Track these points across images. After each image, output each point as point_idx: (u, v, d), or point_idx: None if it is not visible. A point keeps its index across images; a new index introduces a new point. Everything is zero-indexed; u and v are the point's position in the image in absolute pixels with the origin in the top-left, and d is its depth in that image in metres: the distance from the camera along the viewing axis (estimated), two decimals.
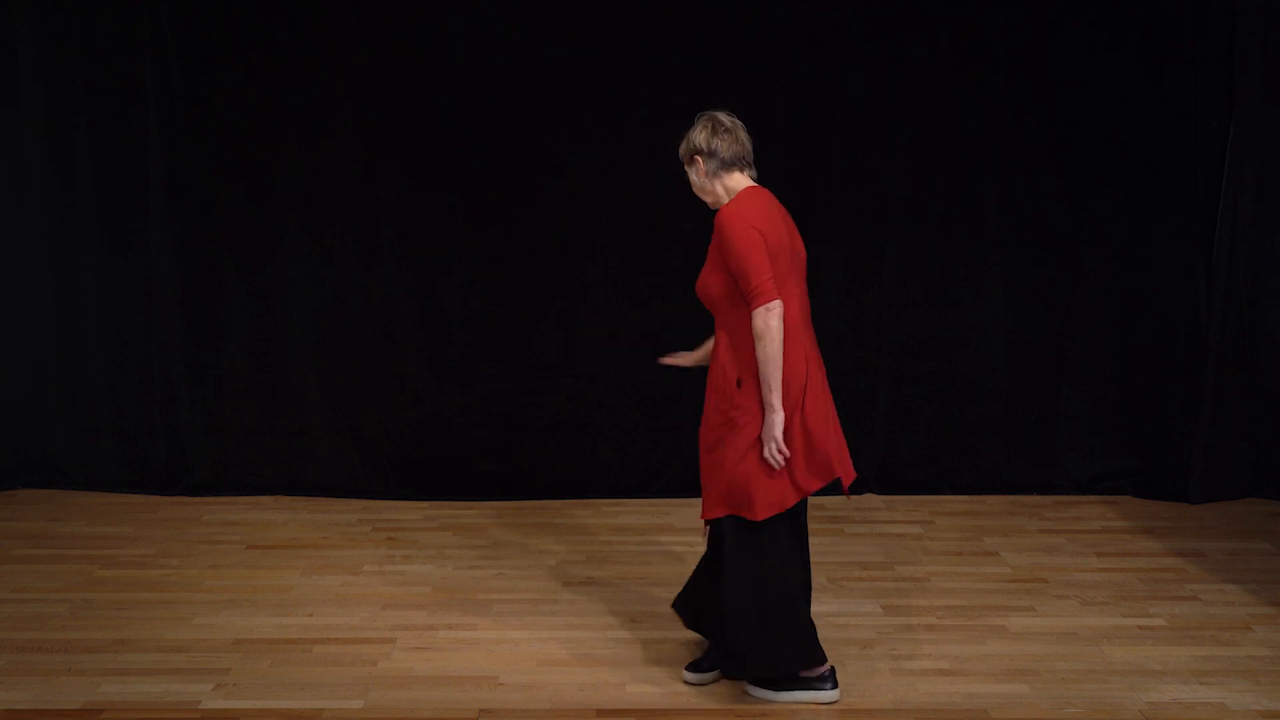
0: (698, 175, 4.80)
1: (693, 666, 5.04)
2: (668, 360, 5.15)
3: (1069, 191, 7.15)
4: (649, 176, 6.86)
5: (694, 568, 5.13)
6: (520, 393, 7.24)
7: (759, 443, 4.69)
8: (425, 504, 7.18)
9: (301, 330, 7.21)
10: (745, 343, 4.68)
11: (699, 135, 4.77)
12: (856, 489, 7.26)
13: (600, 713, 4.79)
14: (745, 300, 4.64)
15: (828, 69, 7.04)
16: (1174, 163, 7.03)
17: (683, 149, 4.82)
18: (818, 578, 6.02)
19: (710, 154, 4.75)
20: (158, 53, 6.98)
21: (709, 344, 5.03)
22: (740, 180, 4.79)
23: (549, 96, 7.03)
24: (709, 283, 4.76)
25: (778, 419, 4.63)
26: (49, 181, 7.14)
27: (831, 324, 7.16)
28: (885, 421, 7.32)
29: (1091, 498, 7.29)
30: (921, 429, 7.34)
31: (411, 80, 7.02)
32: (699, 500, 4.85)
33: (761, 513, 4.69)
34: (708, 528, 4.93)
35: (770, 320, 4.58)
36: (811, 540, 6.49)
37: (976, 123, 7.11)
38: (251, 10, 6.98)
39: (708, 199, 4.83)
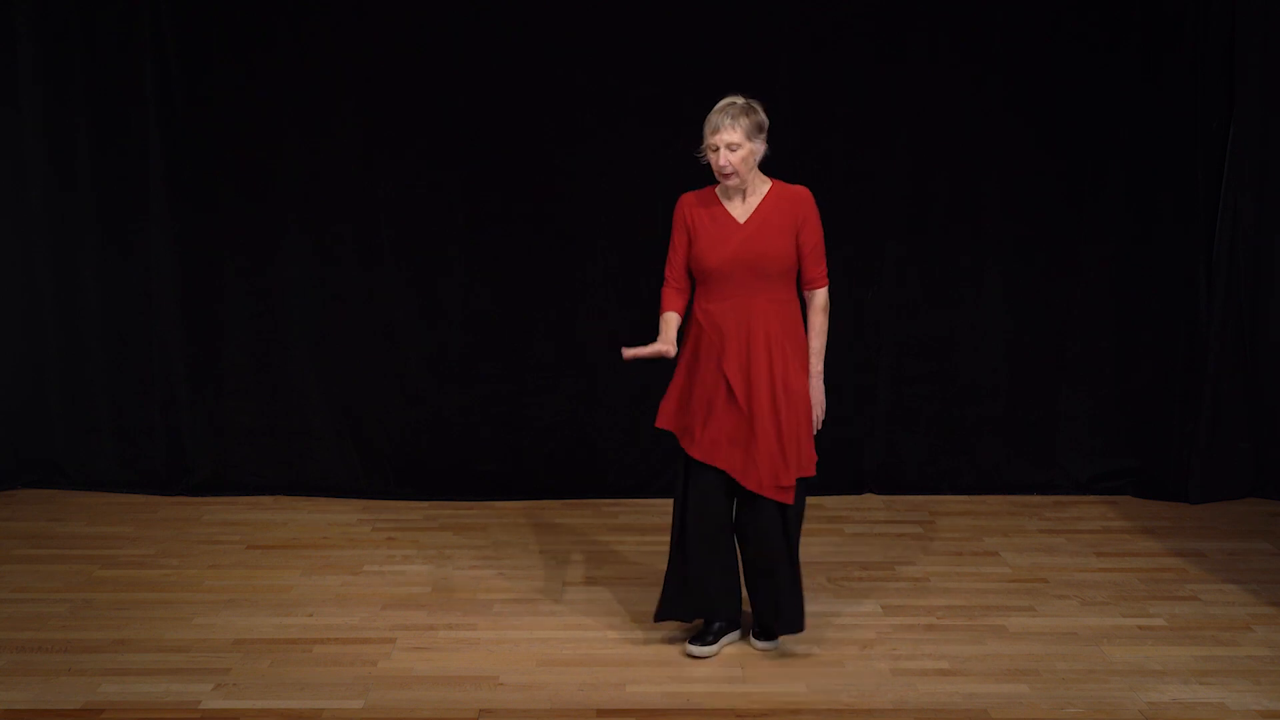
0: (755, 153, 4.96)
1: (698, 639, 5.21)
2: (630, 353, 5.00)
3: (1069, 191, 7.15)
4: (649, 176, 6.86)
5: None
6: (520, 393, 7.24)
7: (808, 406, 5.06)
8: (425, 504, 7.17)
9: (302, 330, 7.20)
10: (793, 314, 5.06)
11: (763, 116, 4.99)
12: (857, 489, 7.30)
13: (600, 713, 4.78)
14: (807, 276, 5.05)
15: (828, 69, 7.04)
16: (1174, 163, 7.03)
17: (755, 123, 4.95)
18: (818, 578, 6.05)
19: (765, 141, 5.00)
20: (158, 53, 6.98)
21: (671, 330, 5.08)
22: (759, 172, 5.08)
23: (549, 96, 7.02)
24: (783, 251, 4.99)
25: (821, 385, 5.10)
26: (49, 181, 7.13)
27: (831, 323, 7.15)
28: (885, 421, 7.32)
29: (1091, 498, 7.29)
30: (921, 429, 7.33)
31: (411, 80, 7.02)
32: None
33: (812, 469, 5.07)
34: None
35: (828, 298, 5.12)
36: (812, 540, 6.53)
37: (976, 123, 7.10)
38: (251, 11, 6.97)
39: (742, 173, 4.96)
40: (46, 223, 7.16)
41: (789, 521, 5.09)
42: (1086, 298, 7.22)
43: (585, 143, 7.05)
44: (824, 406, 5.13)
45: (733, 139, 4.90)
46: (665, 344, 4.99)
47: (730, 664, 5.13)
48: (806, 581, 5.95)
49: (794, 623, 5.18)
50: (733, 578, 5.22)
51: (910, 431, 7.34)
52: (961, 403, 7.32)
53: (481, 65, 6.99)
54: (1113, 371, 7.27)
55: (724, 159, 4.92)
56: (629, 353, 4.96)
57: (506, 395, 7.24)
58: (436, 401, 7.25)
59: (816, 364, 5.09)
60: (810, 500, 7.13)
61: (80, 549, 6.45)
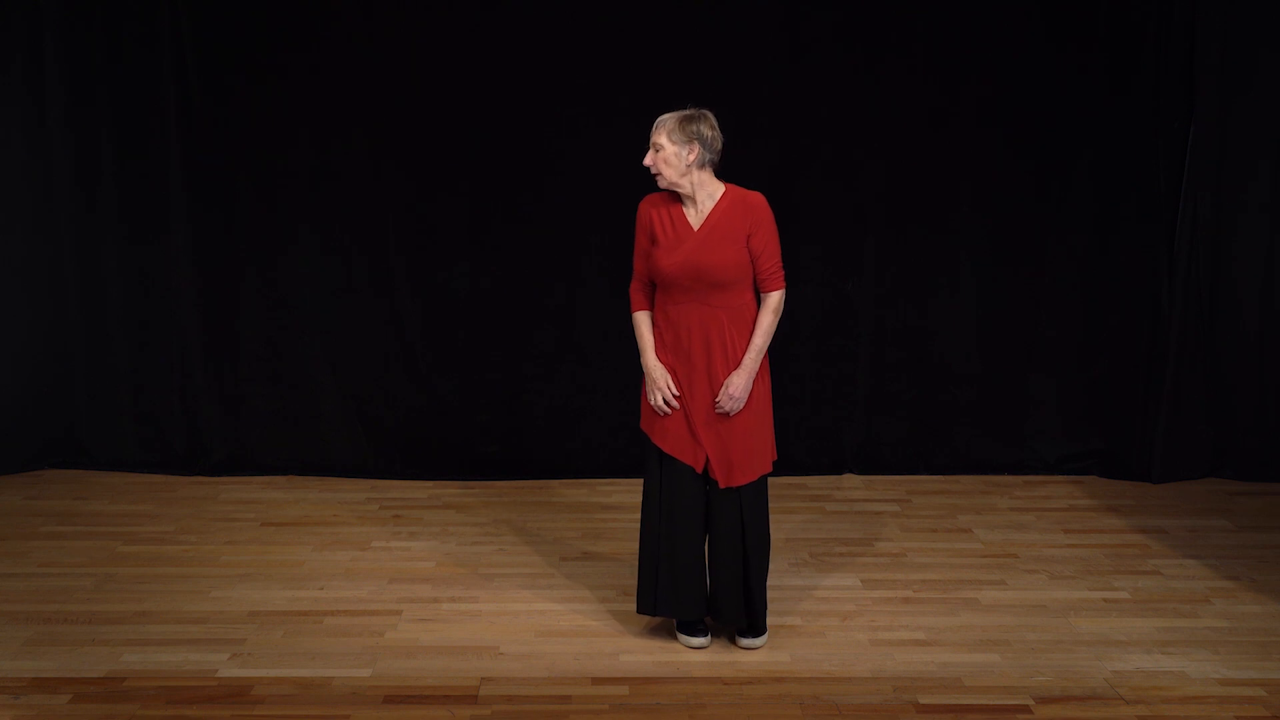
0: (685, 158, 4.81)
1: (690, 630, 5.06)
2: (669, 406, 4.93)
3: (1039, 190, 7.12)
4: (641, 175, 6.81)
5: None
6: (520, 379, 7.21)
7: (766, 405, 4.97)
8: (430, 484, 7.15)
9: (312, 320, 7.17)
10: (746, 320, 4.88)
11: (704, 126, 4.82)
12: (837, 469, 7.28)
13: (594, 680, 4.77)
14: (760, 279, 4.88)
15: (810, 74, 7.00)
16: (1138, 163, 7.00)
17: (685, 129, 4.81)
18: (800, 553, 6.04)
19: (707, 147, 4.83)
20: (177, 63, 6.94)
21: (651, 352, 4.95)
22: (713, 179, 4.89)
23: (547, 101, 6.98)
24: (731, 260, 4.82)
25: (743, 380, 4.84)
26: (76, 182, 7.09)
27: (814, 314, 7.16)
28: (865, 406, 7.29)
29: (1059, 477, 7.27)
30: (899, 413, 7.31)
31: (416, 86, 6.97)
32: None
33: (768, 466, 5.00)
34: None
35: (782, 301, 4.91)
36: (795, 518, 6.51)
37: (951, 125, 7.06)
38: (266, 22, 6.93)
39: (668, 176, 4.85)
40: (73, 221, 7.12)
41: (756, 515, 4.94)
42: (1055, 290, 7.20)
43: (581, 143, 7.01)
44: (739, 401, 4.83)
45: (655, 139, 4.85)
46: (669, 387, 4.90)
47: (718, 633, 5.11)
48: (790, 557, 5.95)
49: (748, 625, 5.01)
50: (703, 572, 5.03)
51: (888, 415, 7.31)
52: (936, 388, 7.29)
53: (483, 71, 6.95)
54: (1079, 359, 7.25)
55: (648, 158, 4.88)
56: (667, 407, 4.90)
57: (506, 381, 7.21)
58: (440, 387, 7.22)
59: (749, 358, 4.83)
60: (793, 480, 7.13)
61: (103, 526, 6.43)
